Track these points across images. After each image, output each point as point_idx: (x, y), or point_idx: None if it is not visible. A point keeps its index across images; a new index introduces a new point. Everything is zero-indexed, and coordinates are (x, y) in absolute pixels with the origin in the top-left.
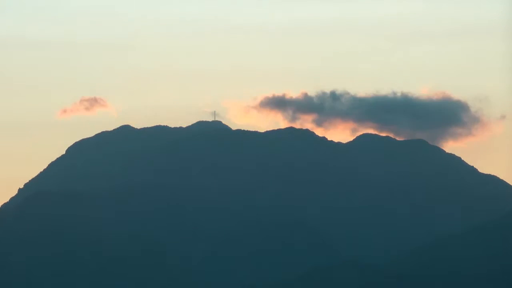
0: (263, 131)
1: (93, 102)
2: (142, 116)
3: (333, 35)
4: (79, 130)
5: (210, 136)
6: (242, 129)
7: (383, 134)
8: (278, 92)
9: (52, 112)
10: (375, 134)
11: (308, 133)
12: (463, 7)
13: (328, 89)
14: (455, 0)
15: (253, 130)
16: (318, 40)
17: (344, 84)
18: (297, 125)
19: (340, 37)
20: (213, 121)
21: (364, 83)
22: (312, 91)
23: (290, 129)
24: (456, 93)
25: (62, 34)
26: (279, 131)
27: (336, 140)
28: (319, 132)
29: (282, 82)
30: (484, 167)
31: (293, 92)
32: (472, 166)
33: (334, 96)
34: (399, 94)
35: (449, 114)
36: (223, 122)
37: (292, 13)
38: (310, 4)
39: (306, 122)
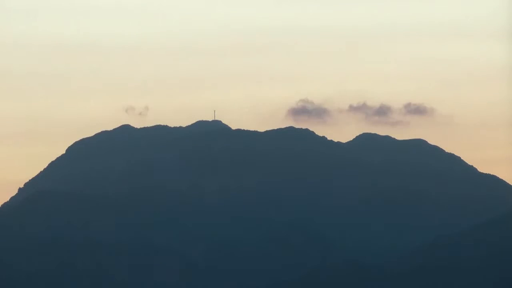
0: (263, 131)
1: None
2: (142, 115)
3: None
4: (79, 129)
5: (210, 136)
6: (242, 128)
7: (383, 134)
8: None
9: (52, 112)
10: (375, 134)
11: (308, 133)
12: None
13: None
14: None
15: (253, 129)
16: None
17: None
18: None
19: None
20: (213, 121)
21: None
22: None
23: (290, 129)
24: None
25: (67, 33)
26: (279, 130)
27: (336, 139)
28: (319, 131)
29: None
30: (483, 167)
31: None
32: (472, 166)
33: None
34: None
35: None
36: (223, 121)
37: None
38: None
39: None
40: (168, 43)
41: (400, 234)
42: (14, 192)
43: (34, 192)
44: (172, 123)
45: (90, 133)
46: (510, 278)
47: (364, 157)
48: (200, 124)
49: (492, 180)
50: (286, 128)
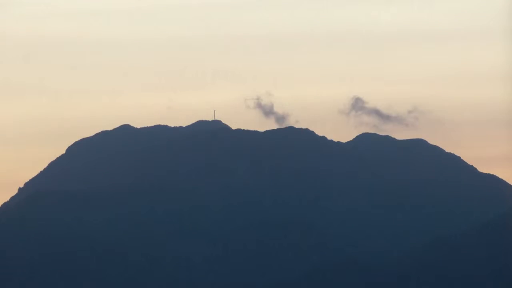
0: (263, 131)
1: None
2: (142, 115)
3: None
4: (79, 129)
5: (210, 135)
6: (242, 128)
7: (383, 134)
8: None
9: (52, 112)
10: (375, 134)
11: (308, 132)
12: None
13: None
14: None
15: (253, 129)
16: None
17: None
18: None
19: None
20: (213, 121)
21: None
22: None
23: (290, 129)
24: None
25: (68, 32)
26: (279, 130)
27: (336, 139)
28: (319, 131)
29: None
30: (483, 167)
31: None
32: (472, 166)
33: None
34: None
35: None
36: (223, 121)
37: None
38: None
39: None
40: (168, 43)
41: (400, 234)
42: (14, 192)
43: (34, 192)
44: (172, 123)
45: (90, 132)
46: (510, 277)
47: (364, 157)
48: (200, 124)
49: (492, 180)
50: (286, 128)
